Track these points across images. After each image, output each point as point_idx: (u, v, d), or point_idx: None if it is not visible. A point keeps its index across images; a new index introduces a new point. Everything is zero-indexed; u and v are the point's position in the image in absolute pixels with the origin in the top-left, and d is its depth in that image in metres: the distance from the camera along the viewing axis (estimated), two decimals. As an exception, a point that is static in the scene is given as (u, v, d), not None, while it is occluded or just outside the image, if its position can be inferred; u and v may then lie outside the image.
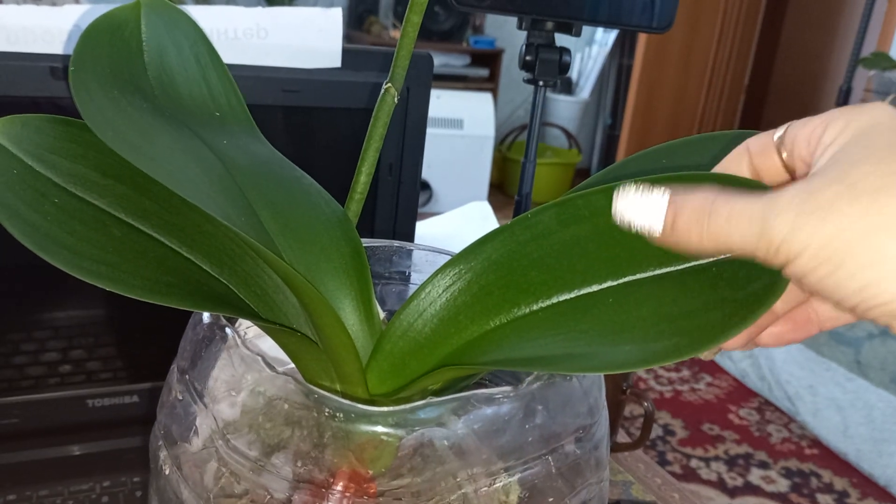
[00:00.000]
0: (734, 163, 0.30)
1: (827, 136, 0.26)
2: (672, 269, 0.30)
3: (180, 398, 0.33)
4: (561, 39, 0.66)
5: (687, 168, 0.37)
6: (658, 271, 0.30)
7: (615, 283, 0.31)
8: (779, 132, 0.28)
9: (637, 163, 0.38)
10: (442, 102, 3.04)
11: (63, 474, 0.55)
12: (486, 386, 0.31)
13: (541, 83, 0.63)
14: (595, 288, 0.32)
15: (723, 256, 0.29)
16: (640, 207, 0.27)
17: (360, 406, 0.28)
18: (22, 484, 0.54)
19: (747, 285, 0.28)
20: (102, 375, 0.63)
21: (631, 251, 0.31)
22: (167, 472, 0.32)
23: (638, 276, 0.31)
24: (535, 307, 0.32)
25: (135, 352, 0.65)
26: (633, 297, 0.30)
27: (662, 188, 0.27)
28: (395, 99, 0.36)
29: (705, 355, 0.29)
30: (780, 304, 0.30)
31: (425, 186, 3.00)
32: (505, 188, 3.62)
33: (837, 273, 0.23)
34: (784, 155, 0.28)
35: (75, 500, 0.53)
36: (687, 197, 0.26)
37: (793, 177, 0.29)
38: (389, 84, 0.36)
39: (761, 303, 0.27)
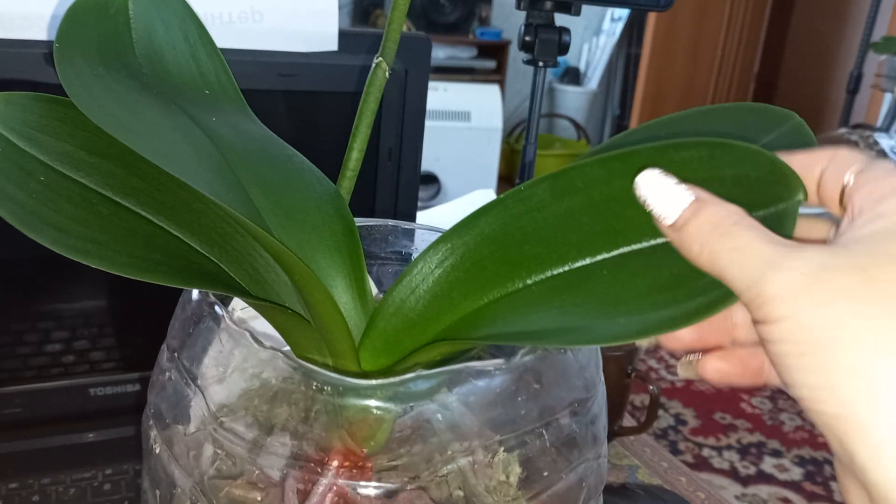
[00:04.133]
0: (811, 161, 0.27)
1: (887, 204, 0.23)
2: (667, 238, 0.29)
3: (171, 378, 0.33)
4: (563, 20, 0.66)
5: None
6: (653, 242, 0.30)
7: (609, 255, 0.31)
8: (863, 163, 0.26)
9: (639, 134, 0.37)
10: (449, 95, 3.02)
11: (65, 462, 0.55)
12: (480, 360, 0.30)
13: (540, 64, 0.62)
14: (589, 261, 0.31)
15: None
16: (663, 193, 0.26)
17: (348, 379, 0.28)
18: (24, 472, 0.54)
19: None
20: (105, 365, 0.63)
21: (626, 222, 0.31)
22: (157, 452, 0.32)
23: (633, 246, 0.30)
24: (528, 281, 0.32)
25: (137, 341, 0.65)
26: (628, 268, 0.30)
27: (689, 189, 0.26)
28: (387, 74, 0.36)
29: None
30: (743, 333, 0.28)
31: (434, 180, 2.99)
32: (513, 180, 3.60)
33: (801, 361, 0.22)
34: (847, 187, 0.26)
35: (77, 488, 0.53)
36: (711, 205, 0.25)
37: (843, 211, 0.26)
38: (380, 58, 0.35)
39: None
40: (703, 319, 0.27)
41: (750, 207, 0.28)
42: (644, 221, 0.30)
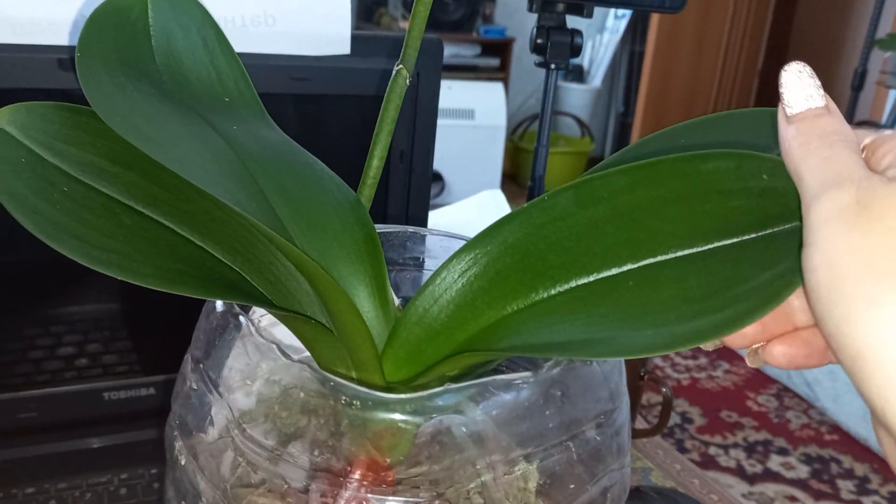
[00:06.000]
0: None
1: None
2: (695, 249, 0.29)
3: (195, 388, 0.33)
4: (572, 21, 0.65)
5: (705, 147, 0.36)
6: (680, 253, 0.30)
7: (635, 265, 0.30)
8: (871, 135, 0.26)
9: (655, 142, 0.37)
10: (453, 93, 3.02)
11: (81, 467, 0.55)
12: (503, 372, 0.30)
13: (552, 66, 0.62)
14: (615, 271, 0.31)
15: (747, 237, 0.28)
16: (802, 89, 0.26)
17: (376, 393, 0.28)
18: (40, 477, 0.54)
19: (772, 266, 0.27)
20: (118, 369, 0.63)
21: (651, 232, 0.30)
22: (183, 463, 0.32)
23: (659, 258, 0.30)
24: (553, 291, 0.32)
25: (150, 344, 0.65)
26: (654, 279, 0.30)
27: (825, 98, 0.26)
28: (408, 80, 0.35)
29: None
30: (803, 317, 0.28)
31: (438, 178, 2.99)
32: (518, 178, 3.60)
33: (831, 291, 0.22)
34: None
35: (93, 493, 0.53)
36: (833, 118, 0.26)
37: None
38: (401, 65, 0.35)
39: (786, 284, 0.26)
40: (732, 332, 0.27)
41: (776, 220, 0.28)
42: (668, 232, 0.30)
